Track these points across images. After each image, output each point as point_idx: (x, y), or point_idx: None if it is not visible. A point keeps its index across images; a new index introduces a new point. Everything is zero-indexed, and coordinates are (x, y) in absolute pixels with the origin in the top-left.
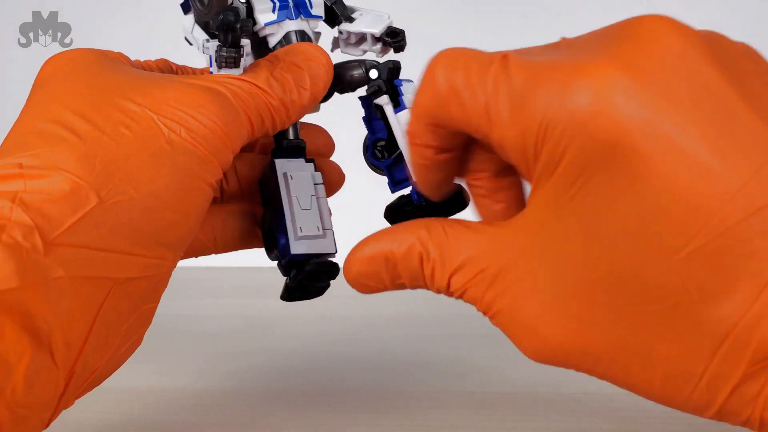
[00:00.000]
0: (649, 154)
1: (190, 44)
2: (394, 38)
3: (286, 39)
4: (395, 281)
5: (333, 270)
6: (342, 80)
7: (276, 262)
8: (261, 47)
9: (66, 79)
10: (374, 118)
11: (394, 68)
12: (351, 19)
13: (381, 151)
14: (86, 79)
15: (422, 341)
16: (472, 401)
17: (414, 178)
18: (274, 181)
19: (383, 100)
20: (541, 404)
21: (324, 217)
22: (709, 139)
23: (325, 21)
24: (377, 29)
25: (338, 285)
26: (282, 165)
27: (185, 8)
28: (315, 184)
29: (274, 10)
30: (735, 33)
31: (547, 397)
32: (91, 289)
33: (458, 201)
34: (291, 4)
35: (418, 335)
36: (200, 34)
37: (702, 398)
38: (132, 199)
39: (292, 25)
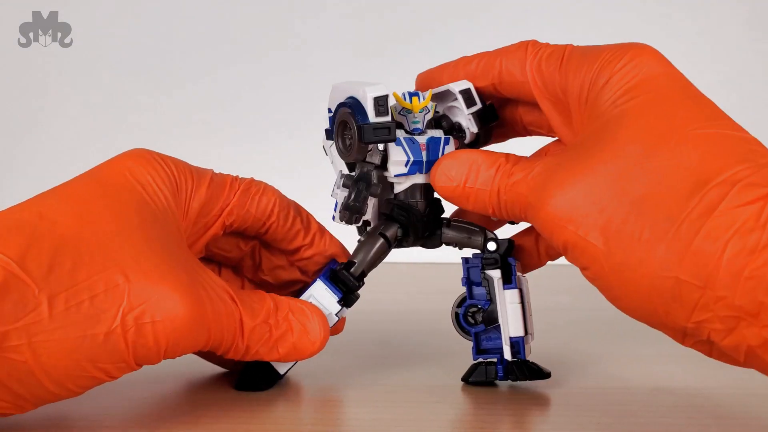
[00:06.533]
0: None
1: (326, 154)
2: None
3: (410, 191)
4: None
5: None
6: (455, 239)
7: None
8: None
9: (110, 202)
10: (477, 284)
11: (511, 246)
12: None
13: (473, 316)
14: (117, 218)
15: (422, 336)
16: (472, 396)
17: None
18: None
19: (495, 274)
20: (542, 398)
21: None
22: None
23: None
24: None
25: None
26: (315, 287)
27: (328, 135)
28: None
29: (407, 164)
30: (735, 31)
31: (546, 392)
32: None
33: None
34: (424, 160)
35: (419, 330)
36: (339, 163)
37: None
38: (24, 363)
39: (420, 179)
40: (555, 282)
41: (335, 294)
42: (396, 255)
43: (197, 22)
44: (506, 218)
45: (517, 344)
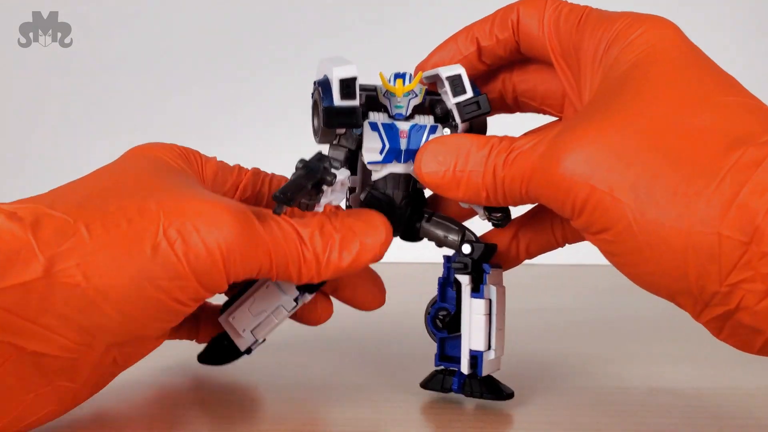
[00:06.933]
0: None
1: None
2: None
3: (387, 180)
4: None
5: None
6: (432, 235)
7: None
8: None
9: (129, 167)
10: (450, 286)
11: (488, 252)
12: None
13: (442, 321)
14: (138, 173)
15: (421, 336)
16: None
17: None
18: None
19: (464, 280)
20: (539, 399)
21: (262, 329)
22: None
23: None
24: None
25: None
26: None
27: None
28: (280, 307)
29: (381, 152)
30: (735, 30)
31: (544, 391)
32: None
33: None
34: (403, 148)
35: (418, 330)
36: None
37: (723, 193)
38: (78, 287)
39: (398, 168)
40: (554, 282)
41: None
42: (396, 255)
43: (197, 22)
44: (501, 201)
45: (475, 358)
